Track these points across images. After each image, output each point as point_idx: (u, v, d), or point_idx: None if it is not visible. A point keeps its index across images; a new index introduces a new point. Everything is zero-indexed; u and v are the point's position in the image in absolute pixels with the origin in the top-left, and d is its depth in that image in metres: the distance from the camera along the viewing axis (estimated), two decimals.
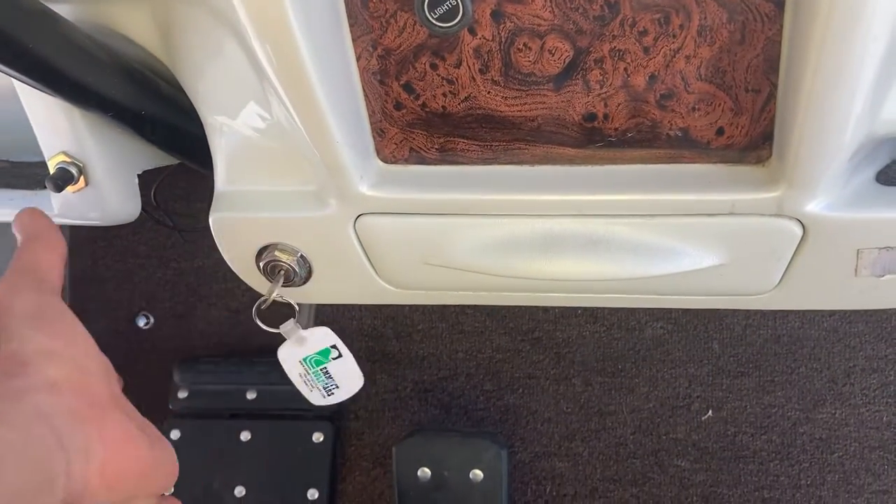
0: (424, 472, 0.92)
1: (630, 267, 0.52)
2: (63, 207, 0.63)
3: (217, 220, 0.56)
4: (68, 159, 0.60)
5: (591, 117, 0.48)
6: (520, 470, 0.98)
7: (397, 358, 1.02)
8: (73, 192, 0.61)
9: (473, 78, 0.47)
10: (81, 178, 0.61)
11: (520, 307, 0.97)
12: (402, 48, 0.47)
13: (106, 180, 0.61)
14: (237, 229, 0.57)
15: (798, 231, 0.49)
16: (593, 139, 0.49)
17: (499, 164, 0.51)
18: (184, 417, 1.03)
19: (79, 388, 0.42)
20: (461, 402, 1.00)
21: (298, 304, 0.63)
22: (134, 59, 0.56)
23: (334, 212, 0.54)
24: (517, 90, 0.47)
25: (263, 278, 0.59)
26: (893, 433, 0.91)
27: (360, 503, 1.01)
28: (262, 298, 0.59)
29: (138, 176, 0.66)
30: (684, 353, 0.95)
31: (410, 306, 1.00)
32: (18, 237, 0.48)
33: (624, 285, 0.55)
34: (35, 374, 0.41)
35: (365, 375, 1.01)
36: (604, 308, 0.95)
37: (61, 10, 0.50)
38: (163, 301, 1.08)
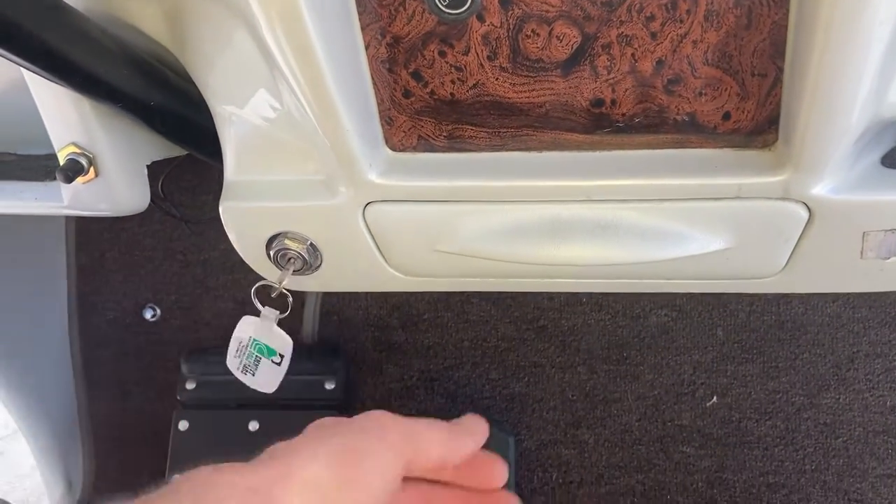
0: None
1: (638, 251, 0.52)
2: (73, 199, 0.64)
3: (227, 210, 0.57)
4: (78, 150, 0.60)
5: (599, 103, 0.48)
6: (526, 458, 0.99)
7: (403, 348, 1.02)
8: (84, 184, 0.62)
9: (482, 65, 0.48)
10: (91, 169, 0.61)
11: (525, 296, 0.97)
12: (410, 36, 0.47)
13: (116, 171, 0.62)
14: (247, 218, 0.57)
15: (804, 214, 0.50)
16: (601, 125, 0.49)
17: (507, 150, 0.52)
18: (192, 408, 1.03)
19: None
20: (467, 391, 1.01)
21: (294, 303, 0.65)
22: (144, 49, 0.57)
23: (344, 200, 0.54)
24: (525, 76, 0.48)
25: (273, 267, 0.59)
26: None
27: None
28: (262, 283, 0.60)
29: (146, 167, 0.66)
30: (689, 340, 0.95)
31: (416, 296, 1.00)
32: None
33: (631, 270, 0.55)
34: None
35: (371, 365, 1.02)
36: (608, 296, 0.96)
37: (71, 0, 0.50)
38: (170, 293, 1.09)
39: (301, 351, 0.75)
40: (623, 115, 0.48)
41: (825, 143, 0.45)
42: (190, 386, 1.03)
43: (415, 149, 0.52)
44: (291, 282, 0.60)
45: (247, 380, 0.68)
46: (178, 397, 1.04)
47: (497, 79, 0.48)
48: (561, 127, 0.50)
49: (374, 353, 1.02)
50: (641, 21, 0.44)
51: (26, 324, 1.05)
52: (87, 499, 1.11)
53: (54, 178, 0.61)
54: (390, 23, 0.47)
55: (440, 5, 0.44)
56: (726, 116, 0.48)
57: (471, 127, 0.51)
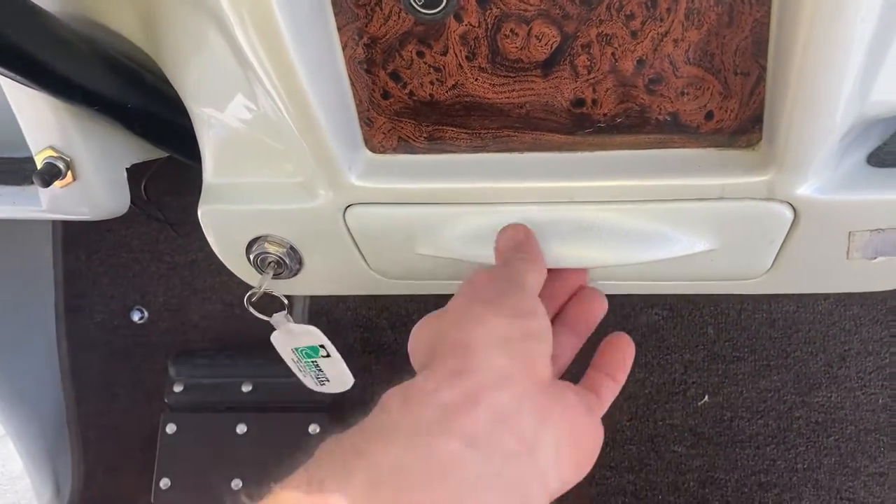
0: None
1: (621, 253, 0.52)
2: (51, 203, 0.63)
3: (206, 213, 0.56)
4: (55, 154, 0.59)
5: (580, 103, 0.47)
6: None
7: (393, 348, 1.02)
8: (61, 188, 0.61)
9: (460, 65, 0.47)
10: (69, 172, 0.60)
11: None
12: (387, 36, 0.46)
13: (94, 175, 0.61)
14: (226, 222, 0.56)
15: (789, 214, 0.49)
16: (582, 125, 0.49)
17: (488, 151, 0.51)
18: (180, 411, 1.03)
19: (529, 372, 0.40)
20: None
21: (288, 297, 0.63)
22: (119, 51, 0.56)
23: (323, 203, 0.53)
24: (505, 77, 0.47)
25: (254, 271, 0.59)
26: (889, 415, 0.91)
27: None
28: (252, 290, 0.59)
29: (127, 170, 0.65)
30: (679, 338, 0.95)
31: (405, 297, 1.00)
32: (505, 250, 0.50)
33: (615, 272, 0.54)
34: (484, 368, 0.39)
35: (361, 366, 1.01)
36: None
37: (43, 2, 0.49)
38: (157, 295, 1.08)
39: None
40: (604, 115, 0.48)
41: (809, 142, 0.44)
42: (177, 389, 1.03)
43: (395, 150, 0.52)
44: (272, 286, 0.59)
45: (329, 388, 0.66)
46: (166, 400, 1.03)
47: (476, 79, 0.47)
48: (542, 127, 0.49)
49: (362, 355, 1.02)
50: (621, 19, 0.44)
51: (13, 327, 1.04)
52: (76, 502, 1.11)
53: (32, 182, 0.60)
54: (367, 23, 0.46)
55: (415, 5, 0.43)
56: (709, 116, 0.47)
57: (451, 128, 0.50)
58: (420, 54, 0.47)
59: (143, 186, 0.87)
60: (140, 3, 0.52)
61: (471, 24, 0.45)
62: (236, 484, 1.00)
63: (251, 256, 0.58)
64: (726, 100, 0.46)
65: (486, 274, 0.47)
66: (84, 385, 1.10)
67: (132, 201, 0.67)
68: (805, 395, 0.93)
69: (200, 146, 0.56)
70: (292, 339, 0.61)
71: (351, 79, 0.48)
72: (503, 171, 0.50)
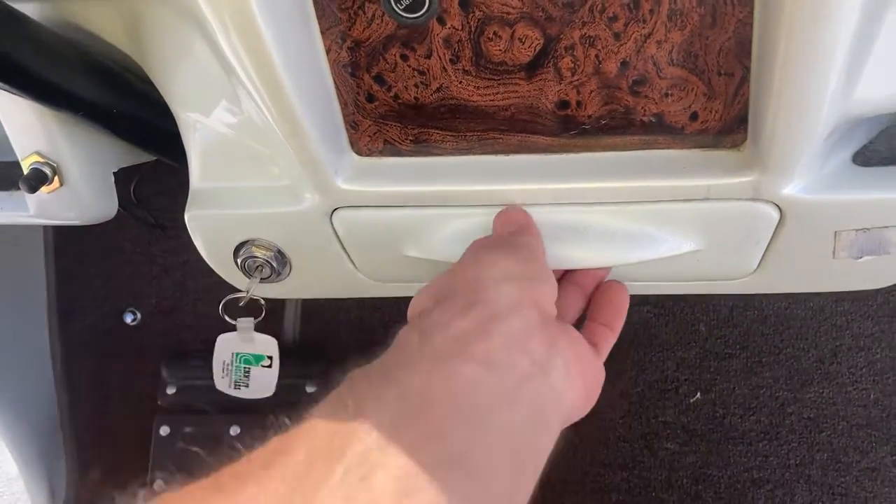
0: None
1: (607, 254, 0.52)
2: (38, 208, 0.63)
3: (193, 218, 0.56)
4: (42, 159, 0.59)
5: (565, 105, 0.47)
6: None
7: (386, 348, 1.01)
8: (49, 193, 0.61)
9: (444, 68, 0.47)
10: (56, 178, 0.60)
11: None
12: (371, 40, 0.46)
13: (81, 180, 0.61)
14: (213, 226, 0.56)
15: (775, 215, 0.49)
16: (567, 127, 0.48)
17: (474, 154, 0.51)
18: (173, 413, 1.03)
19: (537, 303, 0.43)
20: None
21: (269, 302, 0.64)
22: (104, 55, 0.55)
23: (310, 206, 0.53)
24: (489, 79, 0.47)
25: (242, 275, 0.59)
26: (880, 411, 0.92)
27: None
28: (234, 294, 0.59)
29: (116, 173, 0.65)
30: (671, 336, 0.95)
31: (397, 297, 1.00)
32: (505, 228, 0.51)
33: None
34: (494, 300, 0.41)
35: (355, 366, 1.01)
36: None
37: (26, 9, 0.49)
38: (149, 297, 1.08)
39: (282, 354, 0.75)
40: (589, 116, 0.48)
41: (794, 142, 0.44)
42: (171, 391, 1.03)
43: (381, 153, 0.52)
44: (260, 290, 0.59)
45: (241, 393, 0.67)
46: (159, 402, 1.03)
47: (461, 82, 0.47)
48: (527, 130, 0.49)
49: (356, 355, 1.02)
50: (604, 21, 0.43)
51: (5, 331, 1.04)
52: None
53: (19, 188, 0.60)
54: (350, 27, 0.46)
55: (397, 9, 0.43)
56: (693, 117, 0.47)
57: (437, 131, 0.50)
58: (404, 57, 0.47)
59: (132, 189, 0.87)
60: (125, 10, 0.51)
61: (454, 28, 0.45)
62: None
63: (239, 261, 0.58)
64: (711, 101, 0.46)
65: (489, 238, 0.49)
66: (77, 387, 1.10)
67: (121, 205, 0.67)
68: (797, 391, 0.93)
69: (187, 151, 0.55)
70: (243, 345, 0.61)
71: (335, 82, 0.48)
72: (489, 174, 0.50)
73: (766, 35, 0.42)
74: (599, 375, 0.47)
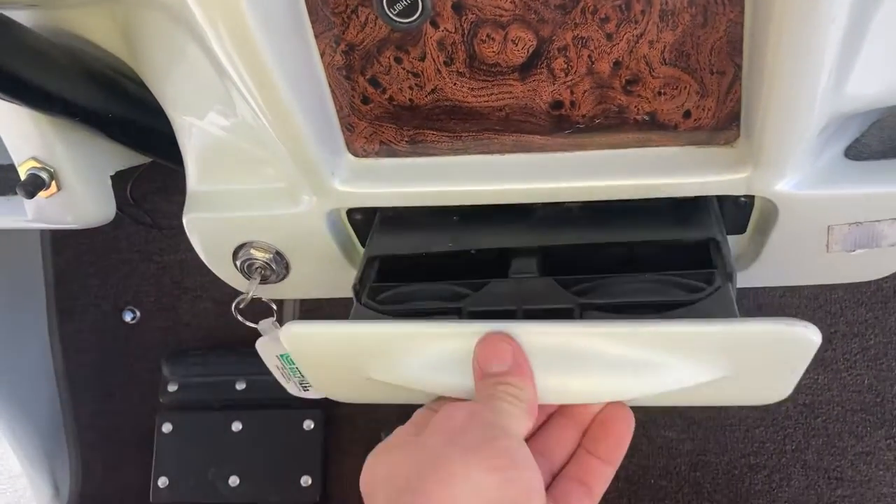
0: None
1: (617, 386, 0.44)
2: (36, 213, 0.63)
3: (191, 221, 0.56)
4: (39, 165, 0.59)
5: (558, 105, 0.48)
6: None
7: None
8: (46, 198, 0.61)
9: (439, 70, 0.47)
10: (53, 183, 0.60)
11: None
12: (365, 43, 0.46)
13: (78, 184, 0.61)
14: (211, 229, 0.57)
15: (816, 339, 0.43)
16: (562, 126, 0.49)
17: (469, 154, 0.51)
18: (175, 411, 1.03)
19: None
20: None
21: (277, 301, 0.63)
22: (98, 61, 0.56)
23: (307, 208, 0.54)
24: (483, 81, 0.47)
25: (241, 277, 0.59)
26: (874, 395, 0.92)
27: (354, 488, 1.02)
28: (241, 297, 0.59)
29: (110, 178, 0.65)
30: None
31: None
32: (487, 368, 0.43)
33: None
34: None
35: None
36: None
37: (19, 17, 0.49)
38: (148, 295, 1.08)
39: None
40: (583, 116, 0.48)
41: (786, 138, 0.45)
42: (172, 388, 1.03)
43: (377, 154, 0.52)
44: (260, 291, 0.60)
45: (310, 394, 0.66)
46: (161, 400, 1.03)
47: (455, 84, 0.47)
48: (522, 129, 0.49)
49: None
50: (596, 23, 0.44)
51: (6, 331, 1.05)
52: (75, 502, 1.11)
53: (16, 193, 0.61)
54: (344, 30, 0.46)
55: (390, 14, 0.43)
56: (687, 115, 0.47)
57: (432, 132, 0.50)
58: (398, 60, 0.47)
59: (128, 190, 0.87)
60: (118, 16, 0.51)
61: (447, 30, 0.45)
62: (233, 481, 1.01)
63: (238, 263, 0.58)
64: (703, 98, 0.46)
65: (465, 413, 0.41)
66: (79, 386, 1.10)
67: (118, 206, 0.68)
68: None
69: (183, 154, 0.56)
70: (278, 345, 0.61)
71: (330, 85, 0.49)
72: (485, 173, 0.51)
73: (757, 34, 0.42)
74: None
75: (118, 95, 0.57)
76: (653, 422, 0.97)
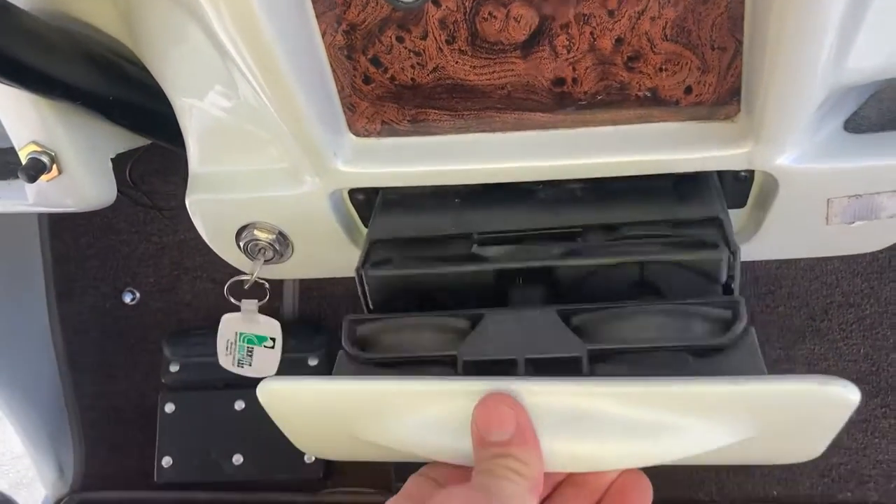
0: None
1: (632, 452, 0.40)
2: (38, 197, 0.63)
3: (194, 203, 0.56)
4: (39, 149, 0.59)
5: (560, 82, 0.48)
6: None
7: None
8: (47, 182, 0.61)
9: (440, 49, 0.47)
10: (54, 166, 0.60)
11: None
12: (366, 23, 0.46)
13: (79, 167, 0.61)
14: (214, 210, 0.57)
15: (854, 398, 0.39)
16: (564, 103, 0.49)
17: (471, 132, 0.51)
18: (177, 391, 1.04)
19: None
20: None
21: (269, 282, 0.64)
22: (99, 43, 0.55)
23: (310, 188, 0.54)
24: (485, 59, 0.47)
25: (244, 257, 0.59)
26: (870, 364, 0.94)
27: (356, 464, 1.03)
28: (239, 277, 0.60)
29: (110, 160, 0.65)
30: None
31: None
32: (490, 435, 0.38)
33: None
34: None
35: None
36: None
37: (19, 1, 0.49)
38: (148, 276, 1.08)
39: (283, 330, 0.76)
40: (585, 93, 0.48)
41: (787, 112, 0.45)
42: (174, 368, 1.04)
43: (379, 134, 0.52)
44: (264, 271, 0.60)
45: (245, 371, 0.68)
46: (163, 380, 1.04)
47: (457, 62, 0.48)
48: (524, 107, 0.49)
49: None
50: None
51: (6, 315, 1.05)
52: (79, 482, 1.12)
53: (17, 176, 0.60)
54: (345, 10, 0.46)
55: None
56: (688, 90, 0.47)
57: (434, 110, 0.50)
58: (400, 39, 0.47)
59: (127, 171, 0.87)
60: None
61: (449, 9, 0.45)
62: (237, 459, 1.02)
63: (241, 244, 0.58)
64: (704, 74, 0.47)
65: (462, 498, 0.37)
66: (81, 368, 1.11)
67: (118, 188, 0.68)
68: (789, 348, 0.95)
69: (184, 136, 0.56)
70: (247, 325, 0.62)
71: (332, 65, 0.48)
72: (487, 151, 0.51)
73: (758, 9, 0.42)
74: None
75: (118, 78, 0.57)
76: None
